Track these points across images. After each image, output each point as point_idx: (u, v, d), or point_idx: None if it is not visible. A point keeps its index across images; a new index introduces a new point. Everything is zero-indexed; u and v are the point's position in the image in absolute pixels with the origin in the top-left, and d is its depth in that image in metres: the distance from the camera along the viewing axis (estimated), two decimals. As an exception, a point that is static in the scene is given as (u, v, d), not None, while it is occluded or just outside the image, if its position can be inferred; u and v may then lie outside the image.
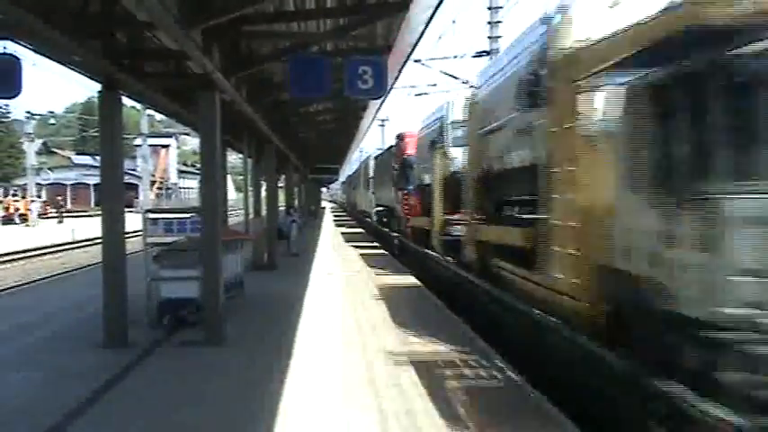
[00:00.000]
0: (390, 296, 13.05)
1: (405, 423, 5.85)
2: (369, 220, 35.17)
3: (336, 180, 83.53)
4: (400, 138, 24.40)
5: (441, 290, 13.53)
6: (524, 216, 9.72)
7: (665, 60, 5.54)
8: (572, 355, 6.84)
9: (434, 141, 17.33)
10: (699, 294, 5.07)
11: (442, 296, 12.77)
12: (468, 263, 13.12)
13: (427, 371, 7.42)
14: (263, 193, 20.10)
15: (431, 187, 17.15)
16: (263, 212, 19.49)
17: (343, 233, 34.08)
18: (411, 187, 21.52)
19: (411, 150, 22.30)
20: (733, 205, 4.87)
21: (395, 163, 24.86)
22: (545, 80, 8.33)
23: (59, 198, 59.44)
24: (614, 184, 6.40)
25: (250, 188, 20.40)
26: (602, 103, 6.79)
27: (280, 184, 25.93)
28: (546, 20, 8.57)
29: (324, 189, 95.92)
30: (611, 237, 6.43)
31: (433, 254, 16.62)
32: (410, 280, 15.58)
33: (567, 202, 7.61)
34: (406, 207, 22.27)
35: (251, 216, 19.44)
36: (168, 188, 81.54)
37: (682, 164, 5.36)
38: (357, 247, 25.05)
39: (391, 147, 28.67)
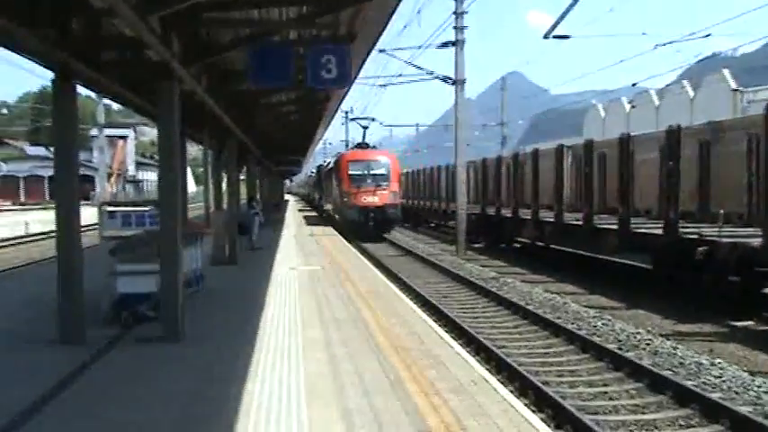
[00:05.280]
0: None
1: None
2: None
3: (299, 172, 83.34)
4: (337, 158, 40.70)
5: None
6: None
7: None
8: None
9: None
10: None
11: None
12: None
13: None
14: (224, 186, 19.91)
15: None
16: (224, 205, 19.29)
17: (308, 225, 34.24)
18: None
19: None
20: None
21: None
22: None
23: None
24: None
25: (210, 180, 20.22)
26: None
27: (241, 177, 25.77)
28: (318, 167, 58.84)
29: (287, 182, 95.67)
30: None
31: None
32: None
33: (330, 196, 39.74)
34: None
35: (211, 209, 19.27)
36: (130, 180, 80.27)
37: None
38: (321, 237, 25.32)
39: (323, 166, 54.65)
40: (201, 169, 35.94)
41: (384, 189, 32.14)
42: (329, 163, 46.57)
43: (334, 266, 17.30)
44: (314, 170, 68.04)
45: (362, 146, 36.17)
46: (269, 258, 18.86)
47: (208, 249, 15.83)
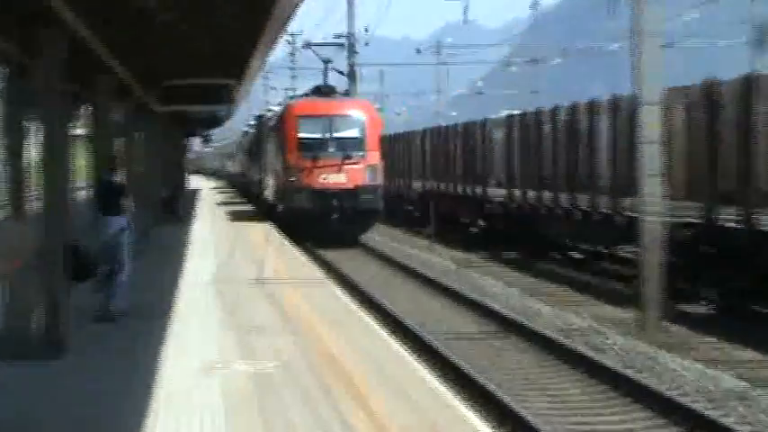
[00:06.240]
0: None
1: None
2: None
3: (228, 119, 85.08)
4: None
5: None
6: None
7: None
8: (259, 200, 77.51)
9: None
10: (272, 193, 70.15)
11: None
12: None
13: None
14: (34, 156, 19.43)
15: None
16: (33, 205, 18.50)
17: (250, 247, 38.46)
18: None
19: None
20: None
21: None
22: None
23: None
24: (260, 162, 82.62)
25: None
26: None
27: (78, 131, 24.86)
28: (258, 117, 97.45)
29: (195, 144, 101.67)
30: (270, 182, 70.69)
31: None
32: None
33: (269, 174, 68.30)
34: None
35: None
36: None
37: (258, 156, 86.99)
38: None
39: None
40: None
41: (355, 162, 44.14)
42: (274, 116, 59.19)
43: (315, 363, 17.01)
44: (253, 123, 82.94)
45: (323, 91, 47.44)
46: (149, 344, 18.57)
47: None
